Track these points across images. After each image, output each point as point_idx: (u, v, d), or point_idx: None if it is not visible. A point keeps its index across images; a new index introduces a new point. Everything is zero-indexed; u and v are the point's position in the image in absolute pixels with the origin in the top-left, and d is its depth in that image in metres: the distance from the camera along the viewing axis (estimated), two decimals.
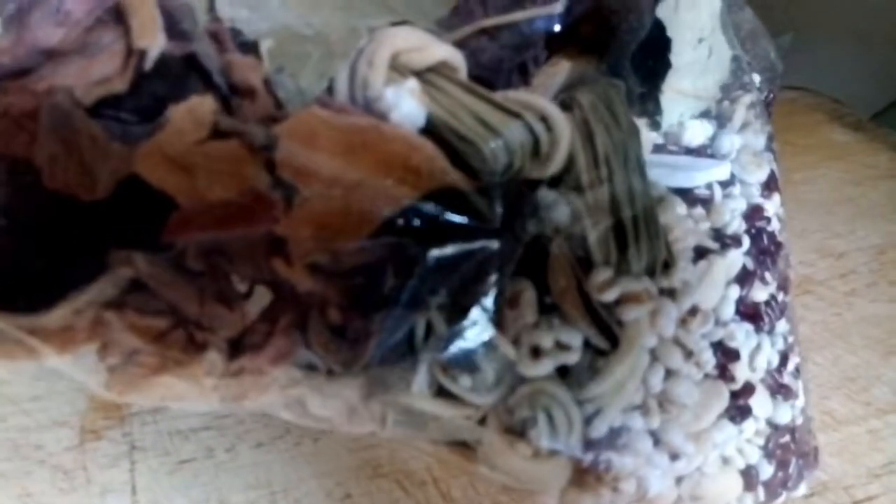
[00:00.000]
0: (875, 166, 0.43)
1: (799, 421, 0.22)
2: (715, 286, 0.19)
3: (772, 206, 0.23)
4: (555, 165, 0.16)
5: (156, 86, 0.15)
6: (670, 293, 0.18)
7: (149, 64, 0.15)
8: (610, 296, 0.16)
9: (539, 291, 0.17)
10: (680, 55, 0.19)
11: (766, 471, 0.21)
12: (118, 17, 0.15)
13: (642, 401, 0.18)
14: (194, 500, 0.24)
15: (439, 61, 0.16)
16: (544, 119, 0.16)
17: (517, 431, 0.17)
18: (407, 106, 0.15)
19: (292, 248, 0.14)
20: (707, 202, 0.20)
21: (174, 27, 0.15)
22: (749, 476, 0.21)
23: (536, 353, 0.16)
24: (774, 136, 0.25)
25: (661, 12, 0.18)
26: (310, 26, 0.15)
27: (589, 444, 0.17)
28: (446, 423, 0.18)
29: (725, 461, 0.20)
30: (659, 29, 0.18)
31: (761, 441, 0.21)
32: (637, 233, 0.17)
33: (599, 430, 0.17)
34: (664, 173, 0.19)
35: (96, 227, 0.14)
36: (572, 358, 0.17)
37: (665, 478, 0.19)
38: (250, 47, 0.15)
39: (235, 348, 0.16)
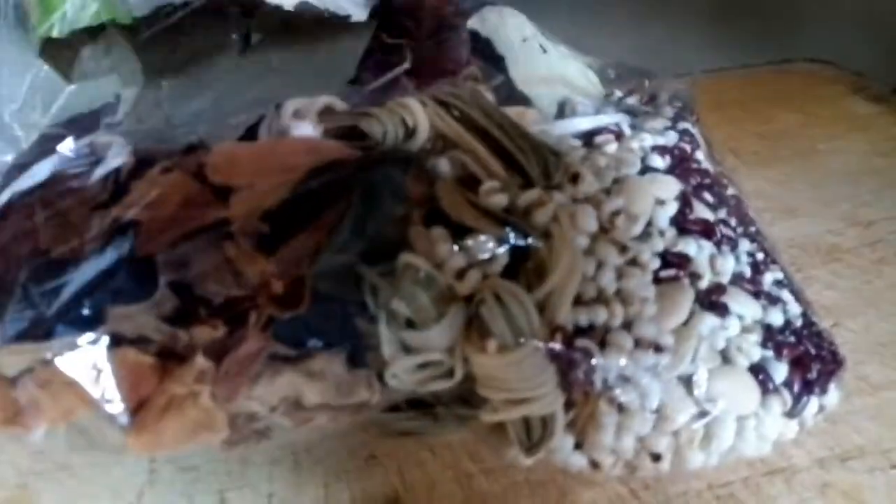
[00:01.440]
0: None
1: (799, 323, 0.22)
2: (642, 195, 0.21)
3: (700, 155, 0.24)
4: (420, 137, 0.20)
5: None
6: (590, 200, 0.20)
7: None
8: (500, 200, 0.19)
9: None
10: (510, 48, 0.24)
11: (780, 370, 0.20)
12: None
13: (598, 293, 0.19)
14: (215, 459, 0.23)
15: (325, 105, 0.22)
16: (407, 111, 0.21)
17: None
18: (304, 128, 0.21)
19: (236, 227, 0.18)
20: (619, 135, 0.23)
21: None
22: (759, 375, 0.20)
23: (461, 275, 0.18)
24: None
25: (490, 15, 0.24)
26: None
27: (555, 331, 0.18)
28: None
29: (725, 357, 0.20)
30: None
31: (756, 338, 0.20)
32: (520, 148, 0.20)
33: (562, 317, 0.18)
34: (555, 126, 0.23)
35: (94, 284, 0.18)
36: (499, 264, 0.18)
37: (664, 382, 0.19)
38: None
39: (218, 356, 0.19)
